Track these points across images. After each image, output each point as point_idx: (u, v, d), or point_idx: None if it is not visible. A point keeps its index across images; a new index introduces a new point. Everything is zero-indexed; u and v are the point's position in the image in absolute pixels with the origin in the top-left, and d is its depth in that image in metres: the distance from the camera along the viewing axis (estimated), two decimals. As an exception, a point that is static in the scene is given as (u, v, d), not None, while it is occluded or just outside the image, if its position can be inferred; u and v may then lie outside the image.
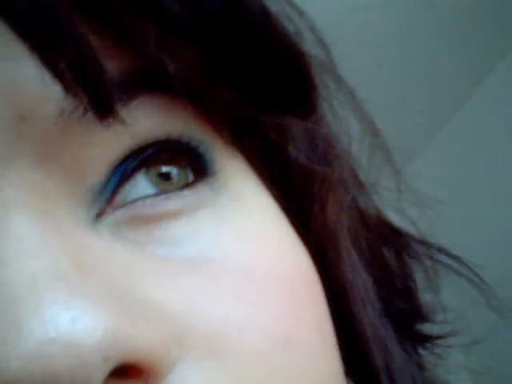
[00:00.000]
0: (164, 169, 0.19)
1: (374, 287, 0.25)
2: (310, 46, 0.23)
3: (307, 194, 0.23)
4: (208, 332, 0.16)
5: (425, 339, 0.28)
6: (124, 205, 0.18)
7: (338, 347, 0.20)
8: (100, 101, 0.16)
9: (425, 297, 0.29)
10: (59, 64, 0.15)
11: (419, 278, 0.29)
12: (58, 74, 0.15)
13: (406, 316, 0.28)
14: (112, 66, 0.17)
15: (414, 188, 0.30)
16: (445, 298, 0.30)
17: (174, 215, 0.18)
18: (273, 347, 0.17)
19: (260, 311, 0.17)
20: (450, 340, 0.29)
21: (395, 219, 0.30)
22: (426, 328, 0.29)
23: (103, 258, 0.16)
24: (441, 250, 0.30)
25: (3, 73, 0.16)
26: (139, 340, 0.14)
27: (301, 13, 0.24)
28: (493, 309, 0.31)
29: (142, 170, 0.18)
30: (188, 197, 0.18)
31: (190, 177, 0.19)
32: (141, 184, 0.18)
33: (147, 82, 0.18)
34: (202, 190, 0.19)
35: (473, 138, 1.30)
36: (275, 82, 0.20)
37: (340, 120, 0.27)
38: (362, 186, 0.28)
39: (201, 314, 0.17)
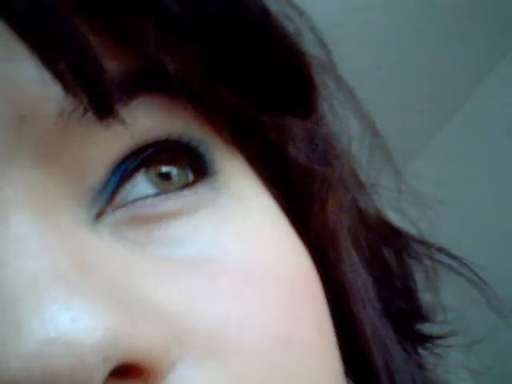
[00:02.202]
0: (164, 169, 0.19)
1: (374, 287, 0.25)
2: (310, 46, 0.23)
3: (307, 194, 0.23)
4: (208, 332, 0.16)
5: (425, 339, 0.28)
6: (124, 205, 0.18)
7: (338, 347, 0.20)
8: (100, 101, 0.16)
9: (425, 297, 0.29)
10: (59, 64, 0.15)
11: (419, 278, 0.29)
12: (58, 74, 0.15)
13: (406, 316, 0.28)
14: (112, 65, 0.17)
15: (414, 188, 0.30)
16: (445, 298, 0.30)
17: (174, 215, 0.18)
18: (273, 347, 0.17)
19: (260, 311, 0.17)
20: (450, 340, 0.29)
21: (395, 219, 0.30)
22: (426, 328, 0.29)
23: (103, 258, 0.16)
24: (441, 250, 0.30)
25: (3, 73, 0.16)
26: (139, 340, 0.14)
27: (301, 13, 0.24)
28: (493, 309, 0.31)
29: (142, 170, 0.18)
30: (188, 197, 0.18)
31: (190, 177, 0.19)
32: (141, 184, 0.18)
33: (147, 82, 0.18)
34: (202, 190, 0.19)
35: (473, 138, 1.30)
36: (275, 81, 0.20)
37: (340, 120, 0.27)
38: (362, 186, 0.28)
39: (201, 314, 0.17)
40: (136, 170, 0.18)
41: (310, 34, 0.24)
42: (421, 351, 0.28)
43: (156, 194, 0.18)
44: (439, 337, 0.29)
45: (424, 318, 0.29)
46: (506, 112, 1.23)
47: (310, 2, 0.26)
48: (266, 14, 0.20)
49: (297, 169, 0.23)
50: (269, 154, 0.22)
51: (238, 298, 0.17)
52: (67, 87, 0.16)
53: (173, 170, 0.19)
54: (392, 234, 0.29)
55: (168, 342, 0.15)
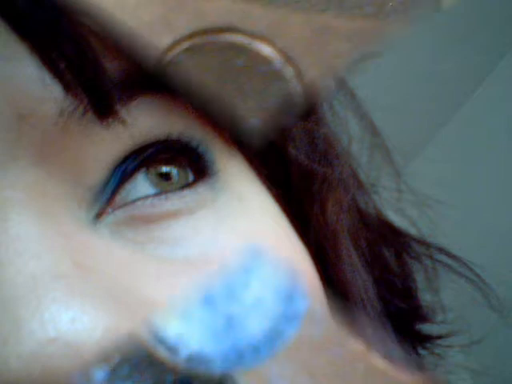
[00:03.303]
0: (164, 169, 0.19)
1: (374, 287, 0.25)
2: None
3: (307, 194, 0.23)
4: (208, 332, 0.16)
5: (425, 339, 0.29)
6: (124, 205, 0.18)
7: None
8: (100, 101, 0.16)
9: (425, 297, 0.29)
10: (59, 64, 0.15)
11: (419, 278, 0.29)
12: (57, 74, 0.15)
13: (406, 316, 0.28)
14: (112, 65, 0.17)
15: (414, 188, 0.30)
16: (445, 298, 0.30)
17: (174, 215, 0.18)
18: None
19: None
20: (450, 340, 0.30)
21: (395, 219, 0.30)
22: (426, 328, 0.29)
23: (103, 257, 0.16)
24: (441, 250, 0.30)
25: (3, 73, 0.16)
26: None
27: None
28: (493, 309, 0.31)
29: (142, 170, 0.18)
30: (188, 197, 0.18)
31: (191, 177, 0.19)
32: (141, 184, 0.18)
33: (147, 81, 0.18)
34: (202, 190, 0.19)
35: (473, 138, 1.30)
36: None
37: (340, 120, 0.27)
38: (362, 186, 0.28)
39: None
40: (136, 169, 0.18)
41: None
42: (421, 351, 0.28)
43: (156, 194, 0.18)
44: (439, 337, 0.29)
45: (424, 318, 0.29)
46: (507, 112, 1.23)
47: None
48: None
49: (297, 169, 0.23)
50: (269, 154, 0.22)
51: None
52: (67, 87, 0.16)
53: (173, 169, 0.19)
54: (392, 234, 0.29)
55: (168, 342, 0.15)
